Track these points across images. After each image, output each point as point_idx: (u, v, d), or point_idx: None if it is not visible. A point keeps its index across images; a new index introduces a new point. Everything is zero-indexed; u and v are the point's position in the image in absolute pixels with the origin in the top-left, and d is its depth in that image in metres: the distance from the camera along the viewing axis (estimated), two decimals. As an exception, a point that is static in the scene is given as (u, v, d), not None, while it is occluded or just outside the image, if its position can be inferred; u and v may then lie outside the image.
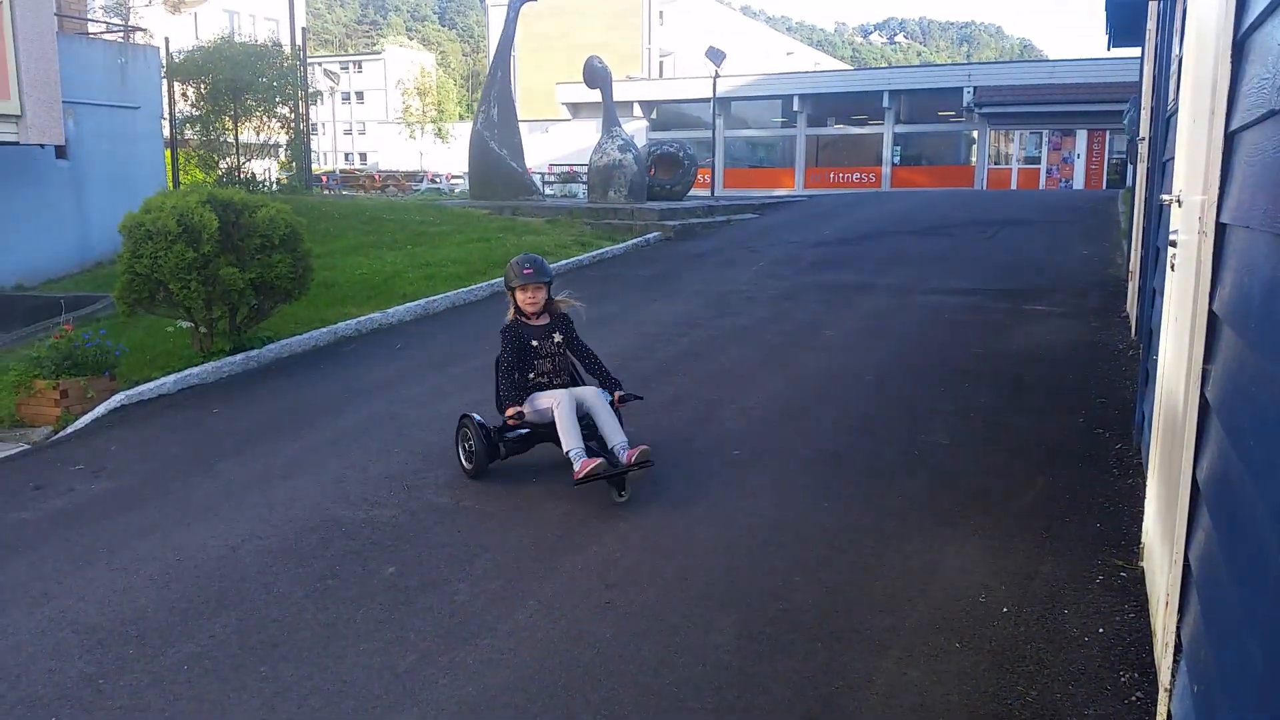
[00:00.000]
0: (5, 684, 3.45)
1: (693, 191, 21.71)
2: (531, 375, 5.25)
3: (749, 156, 42.97)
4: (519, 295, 5.24)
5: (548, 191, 24.51)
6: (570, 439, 4.85)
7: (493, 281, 11.28)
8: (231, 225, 7.98)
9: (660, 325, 9.08)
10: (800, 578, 4.04)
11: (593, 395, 5.10)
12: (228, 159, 21.78)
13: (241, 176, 21.00)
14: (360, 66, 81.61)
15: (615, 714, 3.14)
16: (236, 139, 21.64)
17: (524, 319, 5.29)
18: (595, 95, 21.47)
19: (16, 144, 11.25)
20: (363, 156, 72.29)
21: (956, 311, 9.32)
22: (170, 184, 17.61)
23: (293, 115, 22.43)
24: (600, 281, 11.89)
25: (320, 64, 51.62)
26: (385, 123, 68.75)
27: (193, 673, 3.49)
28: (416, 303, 10.27)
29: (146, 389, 7.31)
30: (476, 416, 5.27)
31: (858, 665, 3.38)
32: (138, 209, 7.88)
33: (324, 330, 9.05)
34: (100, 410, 6.93)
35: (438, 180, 42.52)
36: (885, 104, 37.46)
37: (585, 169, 22.56)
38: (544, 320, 5.33)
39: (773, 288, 10.94)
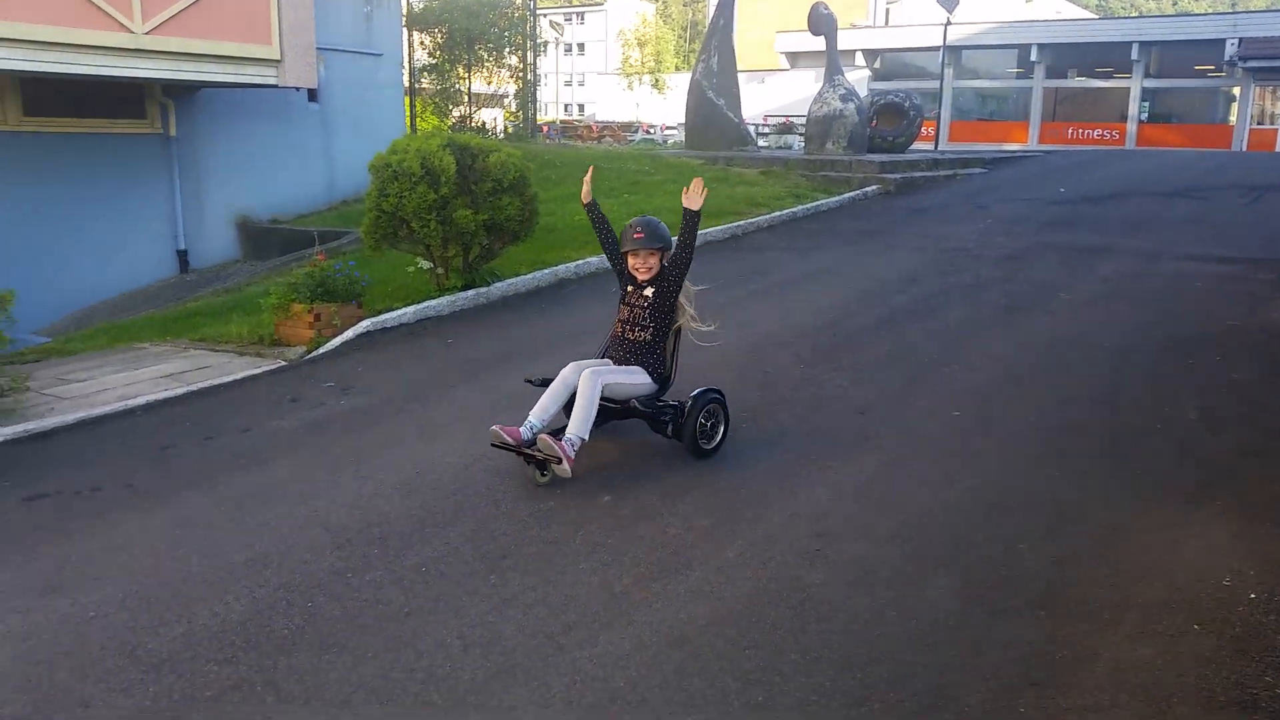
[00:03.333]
0: (270, 570, 3.87)
1: (915, 145, 20.84)
2: (615, 325, 4.99)
3: (978, 109, 40.71)
4: (630, 260, 4.83)
5: (762, 143, 24.23)
6: (537, 408, 4.58)
7: (705, 231, 11.31)
8: (467, 169, 8.40)
9: (877, 281, 8.84)
10: (1025, 545, 3.88)
11: (589, 374, 4.57)
12: (460, 107, 22.89)
13: (471, 125, 22.03)
14: (583, 18, 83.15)
15: (825, 658, 3.16)
16: (469, 87, 22.65)
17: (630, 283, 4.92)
18: (815, 44, 20.94)
19: (275, 87, 12.23)
20: (580, 108, 73.93)
21: (1209, 280, 8.53)
22: (408, 130, 18.72)
23: (521, 65, 23.22)
24: (815, 234, 11.70)
25: (546, 15, 53.01)
26: (604, 74, 69.93)
27: (429, 575, 3.78)
28: (632, 249, 10.47)
29: (389, 317, 7.88)
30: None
31: (1083, 638, 3.23)
32: (379, 152, 8.43)
33: (546, 271, 9.42)
34: (348, 335, 7.54)
35: (652, 131, 42.94)
36: (1134, 56, 34.37)
37: (801, 120, 22.13)
38: (653, 277, 4.87)
39: (1002, 246, 10.38)
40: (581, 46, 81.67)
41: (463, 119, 22.18)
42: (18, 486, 4.81)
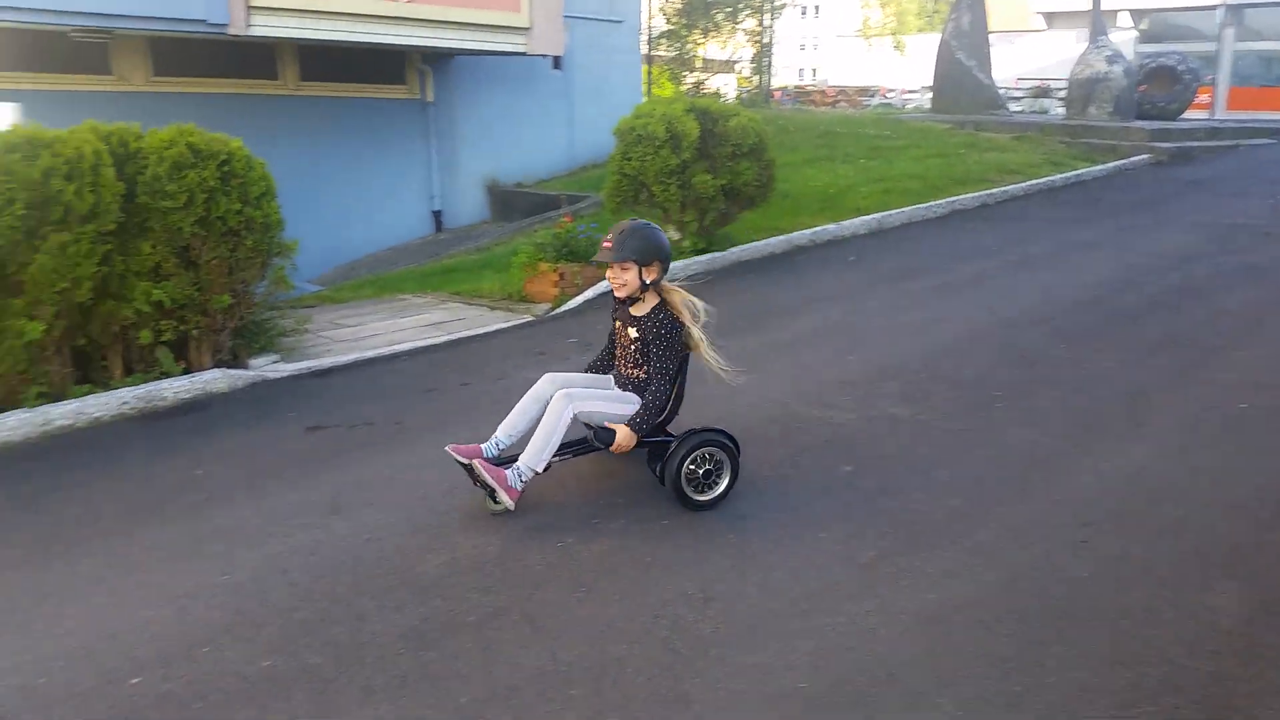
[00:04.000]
0: (525, 508, 4.06)
1: (1187, 113, 18.92)
2: (617, 360, 4.26)
3: (1263, 74, 36.31)
4: (607, 271, 4.01)
5: (1014, 107, 22.79)
6: (505, 423, 4.03)
7: (952, 199, 10.83)
8: (707, 133, 8.43)
9: (1148, 256, 8.12)
10: (1330, 553, 3.45)
11: (557, 399, 3.89)
12: (693, 74, 22.96)
13: (702, 92, 22.07)
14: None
15: (1092, 654, 2.95)
16: (705, 53, 22.67)
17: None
18: (1075, 3, 19.39)
19: (524, 54, 12.70)
20: (814, 72, 72.36)
21: None
22: (644, 97, 19.01)
23: (757, 29, 22.96)
24: (1075, 205, 10.89)
25: (785, -22, 52.07)
26: (842, 36, 67.98)
27: (671, 529, 3.84)
28: (870, 216, 10.17)
29: (627, 278, 8.06)
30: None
31: None
32: (624, 116, 8.59)
33: (780, 238, 9.31)
34: (588, 294, 7.78)
35: (890, 96, 41.40)
36: None
37: (1058, 83, 20.61)
38: (640, 309, 3.99)
39: (1294, 224, 9.27)
40: (817, 9, 79.72)
41: (696, 85, 22.27)
42: (302, 418, 5.31)
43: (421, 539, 3.82)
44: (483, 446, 3.97)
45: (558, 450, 3.90)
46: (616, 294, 4.00)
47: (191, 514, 4.10)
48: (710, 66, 22.56)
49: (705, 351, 4.01)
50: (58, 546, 3.83)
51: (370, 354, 6.40)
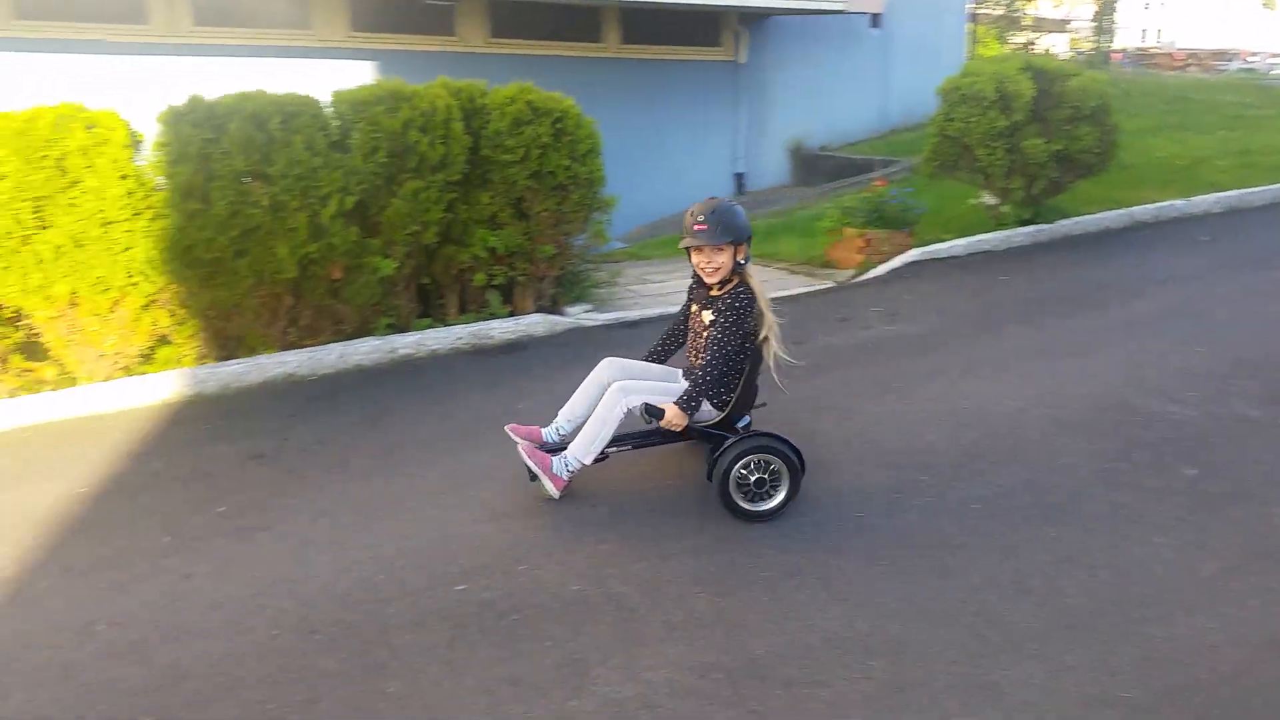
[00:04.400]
0: (824, 476, 4.01)
1: None
2: (687, 350, 3.98)
3: None
4: (692, 256, 3.70)
5: None
6: (566, 407, 3.88)
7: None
8: (1042, 94, 7.80)
9: None
10: None
11: (612, 390, 3.66)
12: (1021, 33, 21.38)
13: (1031, 52, 20.48)
14: (1178, -72, 72.37)
15: None
16: (1036, 10, 21.04)
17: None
18: None
19: (842, 13, 12.35)
20: (1157, 34, 65.10)
21: None
22: (967, 58, 17.96)
23: (1102, -15, 20.99)
24: None
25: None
26: (1196, -7, 60.49)
27: (981, 513, 3.64)
28: (1228, 193, 9.01)
29: (939, 248, 7.70)
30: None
31: None
32: (939, 80, 8.13)
33: (1118, 212, 8.48)
34: (896, 262, 7.52)
35: (1252, 60, 36.38)
36: None
37: None
38: (721, 292, 3.70)
39: None
40: (1170, -37, 71.41)
41: (1025, 45, 20.73)
42: (611, 364, 5.56)
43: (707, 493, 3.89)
44: (544, 430, 3.86)
45: (613, 441, 3.70)
46: (708, 278, 3.65)
47: (507, 445, 4.43)
48: (1041, 25, 20.89)
49: (774, 342, 3.66)
50: (400, 459, 4.29)
51: (673, 309, 6.55)
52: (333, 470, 4.19)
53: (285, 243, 5.24)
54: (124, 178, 4.94)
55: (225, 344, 5.46)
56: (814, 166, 13.94)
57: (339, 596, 3.20)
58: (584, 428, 3.67)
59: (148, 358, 5.33)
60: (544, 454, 3.69)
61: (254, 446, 4.44)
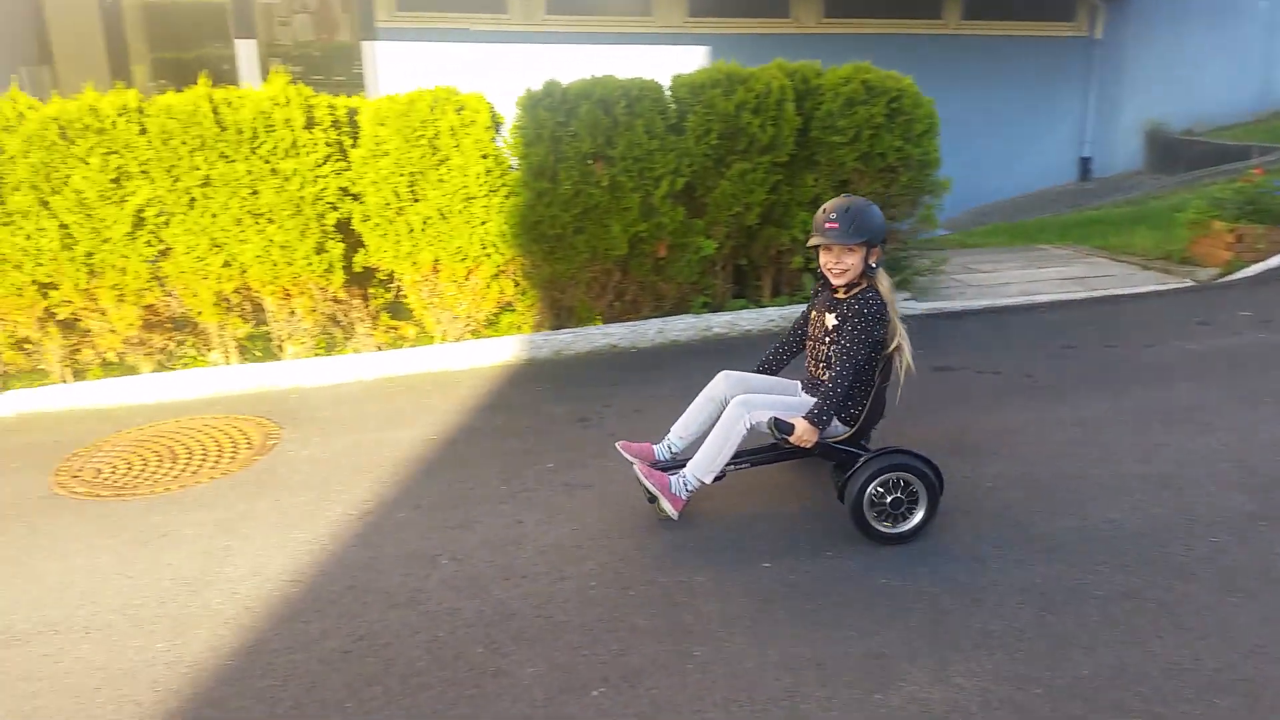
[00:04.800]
0: (1168, 491, 3.61)
1: None
2: (806, 358, 3.69)
3: None
4: (820, 254, 3.44)
5: None
6: (679, 423, 3.64)
7: None
8: None
9: None
10: None
11: (735, 403, 3.42)
12: None
13: None
14: None
15: None
16: None
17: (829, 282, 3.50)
18: None
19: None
20: None
21: None
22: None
23: None
24: None
25: None
26: None
27: (1372, 553, 3.12)
28: None
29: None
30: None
31: None
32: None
33: None
34: (1272, 261, 6.59)
35: None
36: None
37: None
38: (848, 296, 3.43)
39: None
40: None
41: None
42: (928, 357, 5.34)
43: (1050, 500, 3.62)
44: (655, 447, 3.61)
45: (733, 458, 3.44)
46: (835, 279, 3.40)
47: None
48: None
49: (905, 352, 3.38)
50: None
51: (1003, 302, 6.20)
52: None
53: (619, 221, 5.52)
54: (485, 157, 5.42)
55: (558, 314, 5.86)
56: (1173, 152, 12.53)
57: (652, 558, 3.34)
58: (704, 445, 3.44)
59: (492, 322, 5.85)
60: (660, 473, 3.48)
61: (580, 410, 4.75)
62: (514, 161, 5.56)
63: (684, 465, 3.46)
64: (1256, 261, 6.61)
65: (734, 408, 3.39)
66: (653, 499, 3.51)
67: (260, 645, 2.95)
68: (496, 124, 5.52)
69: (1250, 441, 4.01)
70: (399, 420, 4.75)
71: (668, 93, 5.66)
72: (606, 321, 5.85)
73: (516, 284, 5.74)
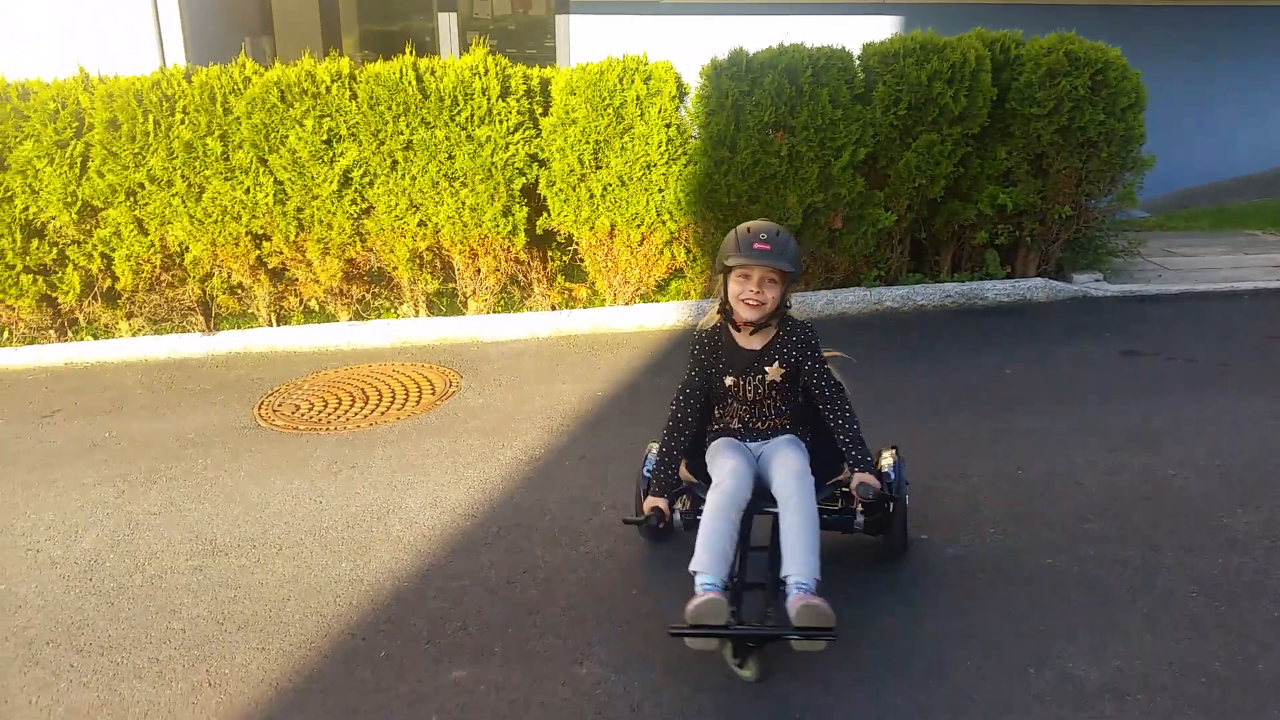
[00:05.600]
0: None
1: None
2: (716, 422, 3.05)
3: None
4: (731, 282, 2.82)
5: None
6: (706, 548, 2.61)
7: None
8: None
9: None
10: None
11: (792, 475, 2.74)
12: None
13: None
14: None
15: None
16: None
17: (730, 326, 2.90)
18: None
19: None
20: None
21: None
22: None
23: None
24: None
25: None
26: None
27: None
28: None
29: None
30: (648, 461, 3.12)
31: None
32: None
33: None
34: None
35: None
36: None
37: None
38: (759, 340, 2.90)
39: None
40: None
41: None
42: (1117, 340, 5.09)
43: (1233, 490, 3.42)
44: (713, 597, 2.51)
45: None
46: (749, 314, 2.80)
47: (995, 410, 4.28)
48: None
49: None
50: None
51: (1203, 287, 5.80)
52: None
53: (795, 191, 5.51)
54: (667, 126, 5.52)
55: (727, 281, 5.92)
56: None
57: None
58: (796, 541, 2.61)
59: (662, 287, 5.97)
60: (802, 598, 2.52)
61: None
62: (694, 130, 5.64)
63: (784, 580, 2.60)
64: None
65: (796, 487, 2.71)
66: (743, 663, 2.59)
67: (434, 570, 3.20)
68: (681, 94, 5.60)
69: None
70: (569, 375, 4.96)
71: (857, 62, 5.58)
72: (772, 292, 5.85)
73: (688, 251, 5.83)
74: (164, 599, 3.12)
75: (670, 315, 5.74)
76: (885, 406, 4.31)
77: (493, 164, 5.46)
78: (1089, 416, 4.11)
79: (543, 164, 5.63)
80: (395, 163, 5.48)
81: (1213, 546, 3.07)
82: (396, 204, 5.55)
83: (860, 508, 2.89)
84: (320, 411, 4.67)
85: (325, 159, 5.47)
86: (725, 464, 2.82)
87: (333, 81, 5.38)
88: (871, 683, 2.55)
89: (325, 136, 5.43)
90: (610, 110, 5.43)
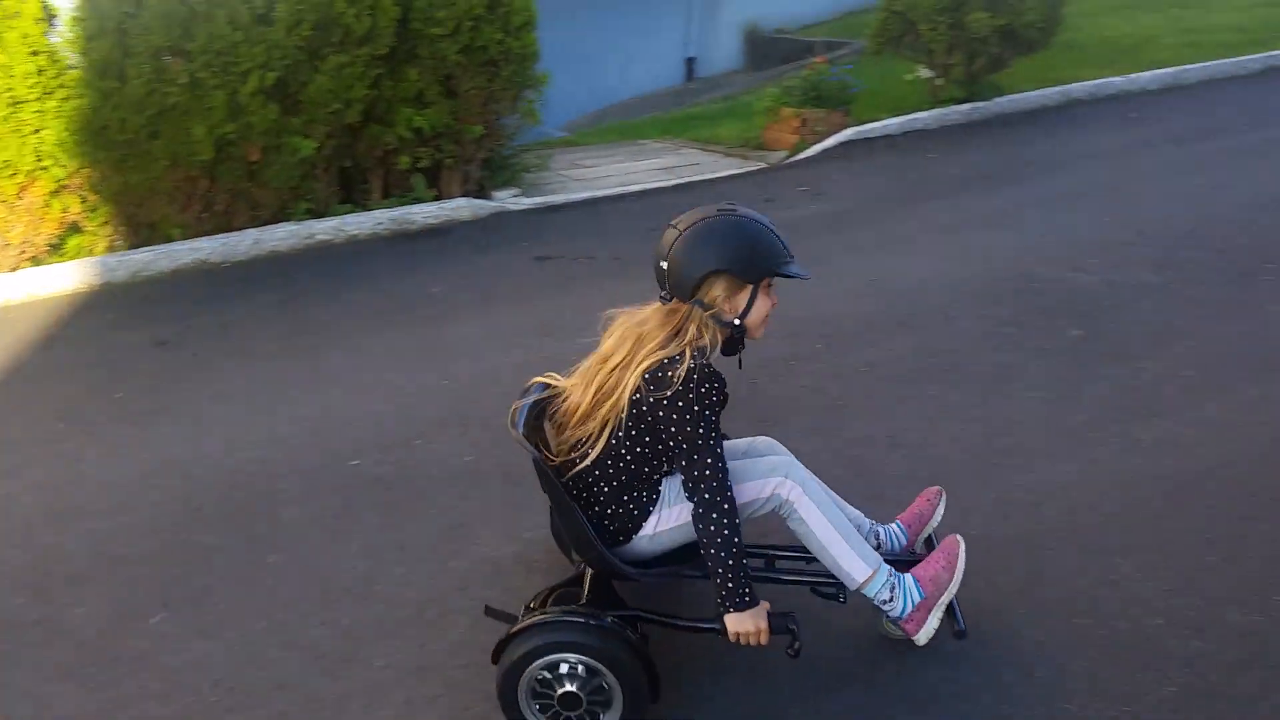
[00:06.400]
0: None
1: None
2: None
3: None
4: (763, 296, 2.09)
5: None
6: (851, 550, 2.14)
7: (1271, 54, 9.31)
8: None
9: None
10: None
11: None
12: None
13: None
14: None
15: (1319, 545, 2.63)
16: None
17: (739, 348, 2.16)
18: None
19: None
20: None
21: None
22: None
23: None
24: None
25: None
26: None
27: (869, 376, 3.75)
28: (1164, 70, 8.94)
29: (873, 127, 7.65)
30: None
31: None
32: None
33: (1054, 90, 8.42)
34: (830, 142, 7.47)
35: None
36: None
37: None
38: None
39: None
40: None
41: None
42: (532, 248, 5.56)
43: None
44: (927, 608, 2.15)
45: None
46: (759, 335, 2.14)
47: (425, 326, 4.47)
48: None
49: None
50: (305, 344, 4.31)
51: (601, 193, 6.55)
52: (235, 355, 4.22)
53: (202, 122, 5.13)
54: (34, 54, 4.77)
55: (139, 231, 5.40)
56: (768, 51, 13.64)
57: (228, 475, 3.26)
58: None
59: (57, 247, 5.27)
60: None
61: (158, 333, 4.45)
62: (74, 59, 4.95)
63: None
64: (817, 142, 7.46)
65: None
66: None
67: None
68: (50, 16, 4.87)
69: (791, 298, 4.56)
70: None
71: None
72: (197, 235, 5.46)
73: (84, 200, 5.19)
74: None
75: (69, 277, 5.08)
76: (314, 336, 4.30)
77: None
78: (509, 319, 4.47)
79: None
80: None
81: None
82: None
83: None
84: None
85: None
86: (771, 460, 2.21)
87: None
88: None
89: None
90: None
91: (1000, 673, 2.23)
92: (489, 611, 2.23)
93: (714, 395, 1.98)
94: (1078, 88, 8.51)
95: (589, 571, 2.21)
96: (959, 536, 2.23)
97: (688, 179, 6.86)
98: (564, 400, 2.22)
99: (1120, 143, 7.07)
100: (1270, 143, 6.73)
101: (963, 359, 3.82)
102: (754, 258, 2.04)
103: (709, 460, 1.97)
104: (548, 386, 2.31)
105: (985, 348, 3.91)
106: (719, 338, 2.07)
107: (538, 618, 2.03)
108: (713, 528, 1.96)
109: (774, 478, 2.14)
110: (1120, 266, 4.68)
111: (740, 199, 6.33)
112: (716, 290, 2.03)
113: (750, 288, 2.05)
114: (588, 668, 2.01)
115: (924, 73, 8.28)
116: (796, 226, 5.64)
